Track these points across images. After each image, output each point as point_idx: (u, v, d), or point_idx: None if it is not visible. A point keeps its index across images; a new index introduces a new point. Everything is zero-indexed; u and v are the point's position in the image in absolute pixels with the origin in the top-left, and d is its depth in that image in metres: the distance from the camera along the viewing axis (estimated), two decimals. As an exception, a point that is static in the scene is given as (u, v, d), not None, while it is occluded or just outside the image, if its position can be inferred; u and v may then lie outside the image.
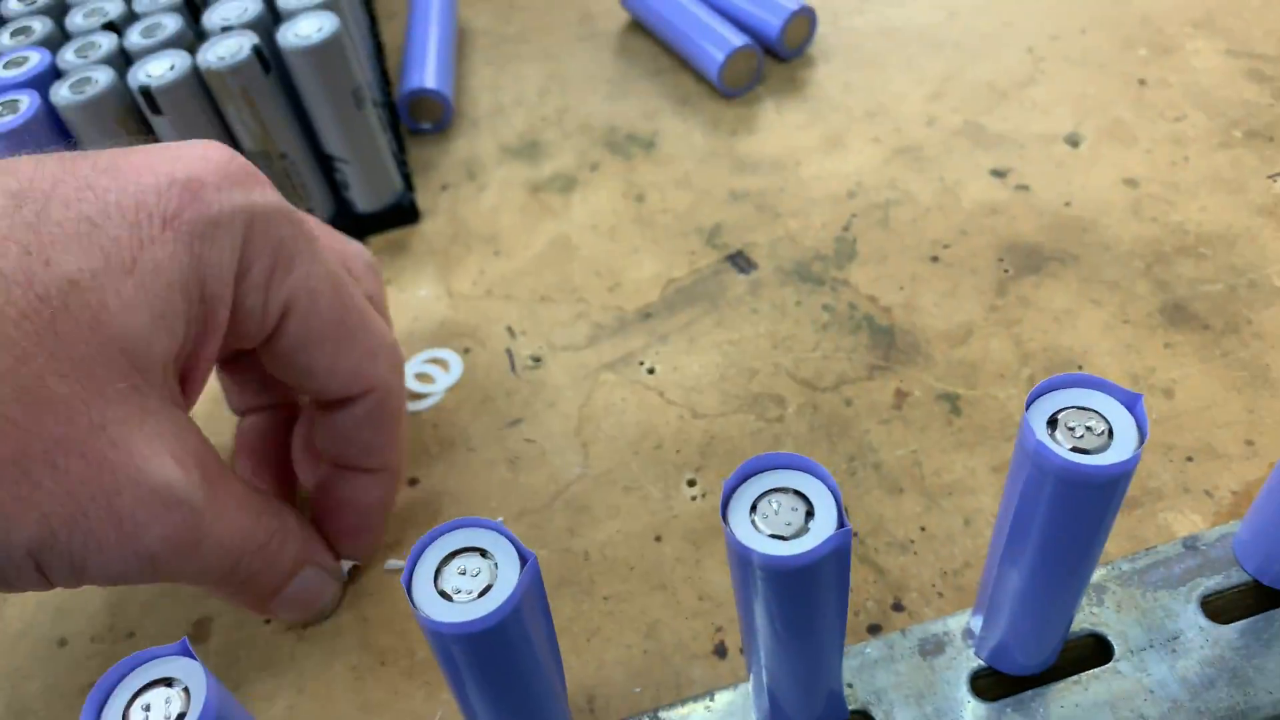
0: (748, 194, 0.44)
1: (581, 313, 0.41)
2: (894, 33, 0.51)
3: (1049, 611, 0.27)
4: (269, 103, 0.40)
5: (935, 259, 0.40)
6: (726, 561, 0.32)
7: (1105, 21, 0.49)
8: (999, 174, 0.43)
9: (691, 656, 0.30)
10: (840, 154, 0.45)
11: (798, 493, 0.22)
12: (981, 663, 0.29)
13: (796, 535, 0.21)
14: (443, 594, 0.22)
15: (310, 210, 0.45)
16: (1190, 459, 0.33)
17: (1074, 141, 0.44)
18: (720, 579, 0.32)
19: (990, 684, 0.29)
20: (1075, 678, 0.28)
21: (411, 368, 0.40)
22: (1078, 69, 0.47)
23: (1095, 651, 0.29)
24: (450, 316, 0.42)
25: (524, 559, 0.22)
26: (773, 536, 0.21)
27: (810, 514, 0.21)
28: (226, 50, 0.39)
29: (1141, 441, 0.21)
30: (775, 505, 0.22)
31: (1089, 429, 0.22)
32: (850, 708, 0.28)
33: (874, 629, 0.31)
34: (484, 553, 0.22)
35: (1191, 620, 0.29)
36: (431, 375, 0.40)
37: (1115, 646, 0.29)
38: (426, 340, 0.41)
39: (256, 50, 0.39)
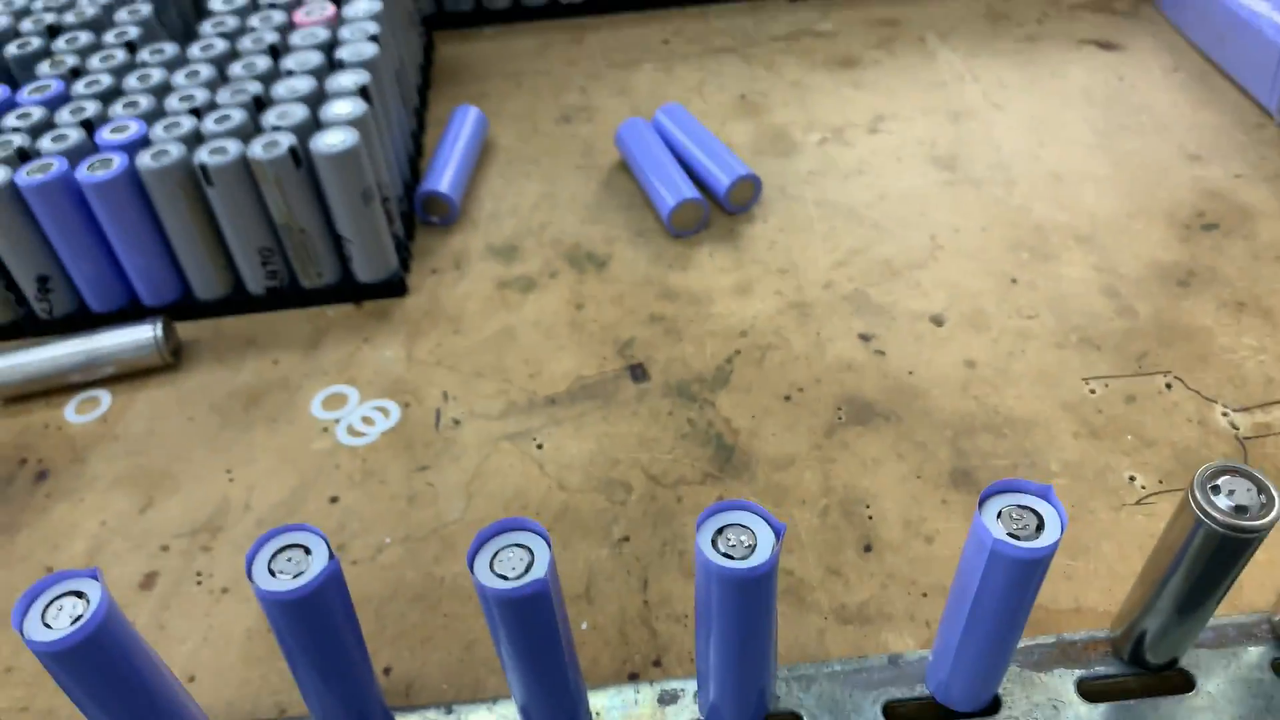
0: (664, 318, 0.54)
1: (503, 390, 0.51)
2: (828, 206, 0.61)
3: (737, 686, 0.35)
4: (296, 190, 0.52)
5: (788, 398, 0.49)
6: (543, 604, 0.41)
7: (1004, 223, 0.58)
8: (865, 338, 0.52)
9: (495, 670, 0.39)
10: (746, 299, 0.55)
11: (526, 547, 0.31)
12: (699, 717, 0.37)
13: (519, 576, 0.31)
14: (272, 573, 0.31)
15: (319, 274, 0.56)
16: (925, 595, 0.41)
17: (938, 321, 0.52)
18: (533, 616, 0.41)
19: (705, 735, 0.37)
20: (768, 743, 0.36)
21: (361, 410, 0.50)
22: (965, 260, 0.56)
23: (793, 727, 0.37)
24: (403, 375, 0.52)
25: (331, 556, 0.32)
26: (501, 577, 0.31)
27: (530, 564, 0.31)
28: (271, 146, 0.51)
29: (774, 545, 0.30)
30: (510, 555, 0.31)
31: (741, 541, 0.31)
32: (592, 729, 0.37)
33: (633, 676, 0.39)
34: (307, 550, 0.32)
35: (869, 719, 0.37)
36: (374, 419, 0.50)
37: (806, 724, 0.37)
38: (379, 391, 0.51)
39: (292, 150, 0.51)
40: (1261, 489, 0.32)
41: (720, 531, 0.31)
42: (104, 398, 0.53)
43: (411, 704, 0.38)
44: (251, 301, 0.57)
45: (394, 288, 0.57)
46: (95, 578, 0.31)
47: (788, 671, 0.38)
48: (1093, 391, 0.48)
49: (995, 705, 0.37)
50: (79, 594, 0.31)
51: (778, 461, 0.46)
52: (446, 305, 0.57)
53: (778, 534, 0.31)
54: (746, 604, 0.32)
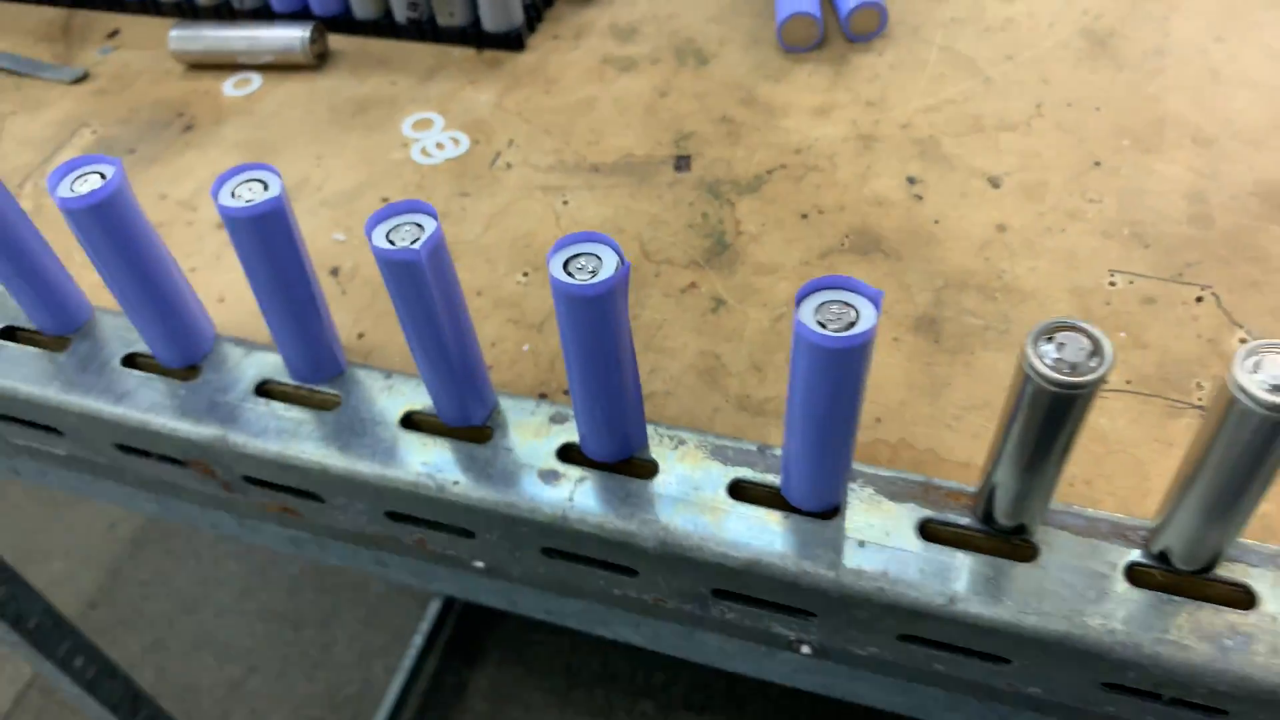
0: (733, 120, 0.55)
1: (559, 150, 0.55)
2: (950, 54, 0.58)
3: (597, 418, 0.38)
4: (436, -74, 0.57)
5: (805, 216, 0.50)
6: (504, 322, 0.46)
7: (1122, 108, 0.53)
8: (911, 180, 0.51)
9: (439, 360, 0.45)
10: (819, 121, 0.55)
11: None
12: (576, 441, 0.41)
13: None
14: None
15: (451, 14, 0.61)
16: (831, 411, 0.42)
17: (995, 183, 0.50)
18: (493, 331, 0.46)
19: (576, 455, 0.41)
20: (614, 474, 0.40)
21: (439, 137, 0.56)
22: (1059, 134, 0.52)
23: (647, 472, 0.40)
24: (486, 117, 0.57)
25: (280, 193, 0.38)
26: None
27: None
28: (423, -119, 0.56)
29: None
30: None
31: (588, 268, 0.34)
32: (486, 423, 0.42)
33: (542, 396, 0.44)
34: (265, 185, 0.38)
35: (714, 490, 0.39)
36: (445, 146, 0.56)
37: (660, 475, 0.40)
38: (460, 125, 0.57)
39: (438, -113, 0.56)
40: (1096, 348, 0.30)
41: (574, 258, 0.34)
42: (256, 80, 0.62)
43: (365, 364, 0.45)
44: (395, 28, 0.64)
45: (512, 42, 0.62)
46: (115, 164, 0.40)
47: (666, 430, 0.41)
48: (1113, 284, 0.45)
49: (833, 513, 0.38)
50: (101, 175, 0.40)
51: (763, 267, 0.48)
52: (550, 68, 0.60)
53: (621, 261, 0.34)
54: (590, 325, 0.35)
